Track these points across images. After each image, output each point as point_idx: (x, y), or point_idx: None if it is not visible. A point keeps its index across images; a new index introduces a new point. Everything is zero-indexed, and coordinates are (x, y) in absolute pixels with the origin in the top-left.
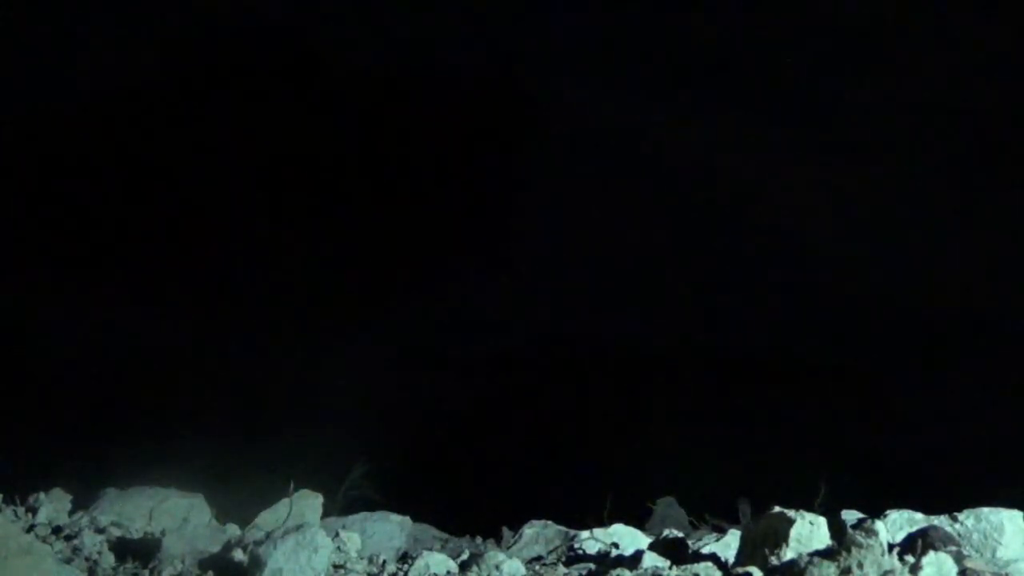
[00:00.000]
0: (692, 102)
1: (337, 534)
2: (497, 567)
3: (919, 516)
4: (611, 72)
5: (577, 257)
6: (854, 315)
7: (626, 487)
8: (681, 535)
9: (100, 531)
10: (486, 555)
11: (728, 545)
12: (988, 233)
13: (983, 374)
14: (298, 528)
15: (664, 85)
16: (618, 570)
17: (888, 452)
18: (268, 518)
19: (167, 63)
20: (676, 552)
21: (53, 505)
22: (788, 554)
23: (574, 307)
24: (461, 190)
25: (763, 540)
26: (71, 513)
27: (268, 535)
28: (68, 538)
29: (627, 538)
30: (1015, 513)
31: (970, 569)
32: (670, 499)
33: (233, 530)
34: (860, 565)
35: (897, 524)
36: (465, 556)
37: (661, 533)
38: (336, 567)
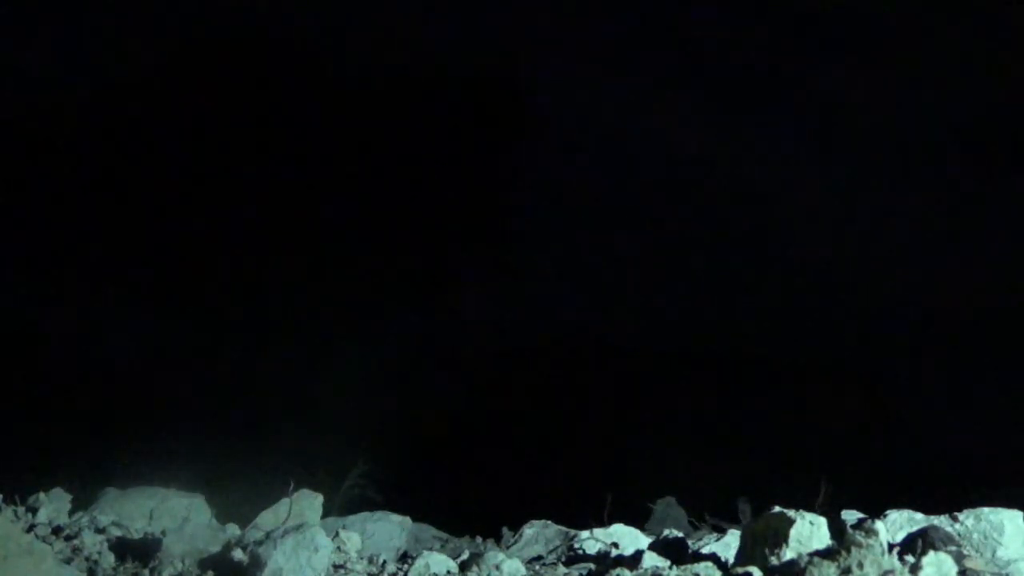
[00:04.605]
0: (693, 102)
1: (337, 534)
2: (497, 567)
3: (919, 516)
4: (611, 72)
5: (577, 257)
6: (855, 316)
7: (626, 487)
8: (681, 535)
9: (100, 531)
10: (486, 555)
11: (728, 545)
12: (988, 233)
13: (984, 374)
14: (298, 528)
15: (665, 85)
16: (618, 570)
17: (888, 452)
18: (268, 518)
19: (167, 64)
20: (676, 552)
21: (53, 505)
22: (788, 554)
23: (574, 307)
24: (461, 190)
25: (763, 540)
26: (71, 513)
27: (268, 535)
28: (68, 538)
29: (627, 538)
30: (1015, 513)
31: (970, 569)
32: (670, 499)
33: (233, 530)
34: (860, 565)
35: (897, 524)
36: (465, 556)
37: (661, 533)
38: (336, 567)
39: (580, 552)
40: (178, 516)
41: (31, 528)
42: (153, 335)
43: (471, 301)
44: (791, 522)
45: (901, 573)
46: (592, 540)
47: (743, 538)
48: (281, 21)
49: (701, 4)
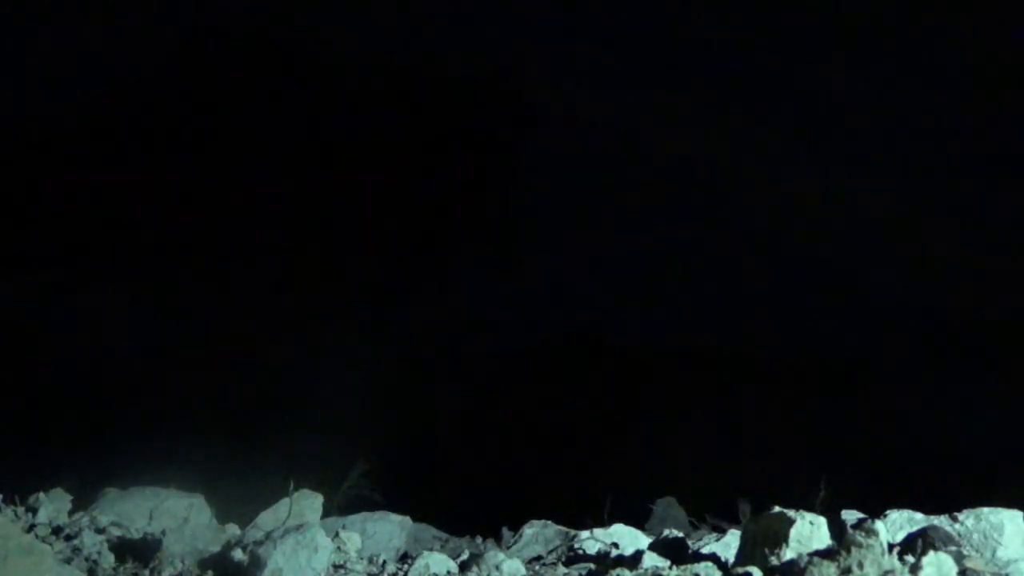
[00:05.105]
0: (693, 103)
1: (337, 534)
2: (497, 567)
3: (919, 516)
4: (612, 73)
5: (577, 258)
6: (854, 317)
7: (626, 487)
8: (681, 535)
9: (100, 531)
10: (486, 555)
11: (728, 545)
12: (988, 234)
13: (983, 374)
14: (298, 528)
15: (665, 86)
16: (618, 570)
17: (888, 452)
18: (268, 518)
19: (168, 64)
20: (676, 552)
21: (53, 505)
22: (788, 554)
23: (574, 308)
24: (461, 191)
25: (763, 540)
26: (71, 513)
27: (268, 535)
28: (68, 538)
29: (627, 538)
30: (1015, 513)
31: (970, 569)
32: (670, 499)
33: (233, 530)
34: (860, 565)
35: (897, 524)
36: (465, 556)
37: (661, 533)
38: (336, 567)
39: (580, 552)
40: (178, 516)
41: (31, 528)
42: (153, 335)
43: (472, 301)
44: (791, 522)
45: (901, 573)
46: (592, 540)
47: (743, 538)
48: (284, 22)
49: (702, 6)
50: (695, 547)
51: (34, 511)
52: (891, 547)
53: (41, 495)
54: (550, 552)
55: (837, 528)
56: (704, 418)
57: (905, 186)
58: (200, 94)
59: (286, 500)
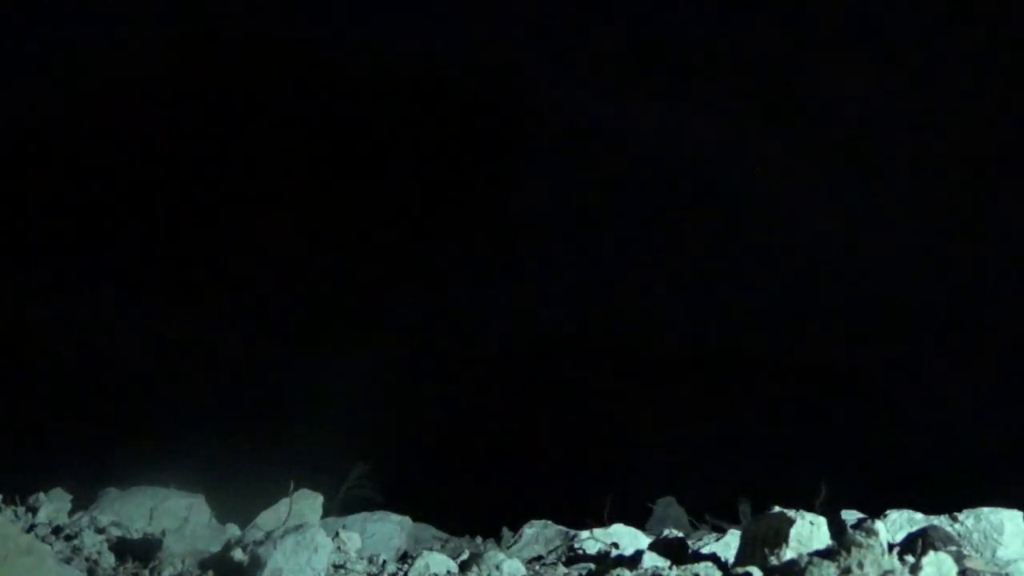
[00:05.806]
0: (692, 103)
1: (337, 534)
2: (497, 567)
3: (919, 516)
4: (611, 73)
5: (577, 258)
6: (855, 315)
7: (626, 487)
8: (681, 535)
9: (100, 531)
10: (486, 555)
11: (728, 545)
12: (988, 233)
13: (983, 374)
14: (298, 528)
15: (664, 86)
16: (618, 570)
17: (888, 452)
18: (268, 518)
19: (166, 64)
20: (676, 552)
21: (53, 505)
22: (788, 554)
23: (574, 308)
24: (460, 192)
25: (763, 540)
26: (71, 513)
27: (268, 535)
28: (68, 538)
29: (627, 538)
30: (1015, 513)
31: (970, 569)
32: (670, 499)
33: (233, 530)
34: (860, 565)
35: (897, 524)
36: (465, 556)
37: (661, 533)
38: (336, 567)
39: (580, 552)
40: (178, 516)
41: (31, 528)
42: (153, 335)
43: (472, 301)
44: (791, 522)
45: (901, 573)
46: (592, 540)
47: (743, 538)
48: (282, 21)
49: (705, 9)
50: (695, 547)
51: (34, 511)
52: (891, 547)
53: (41, 495)
54: (550, 552)
55: (837, 528)
56: (704, 418)
57: (908, 185)
58: (199, 96)
59: (286, 500)
